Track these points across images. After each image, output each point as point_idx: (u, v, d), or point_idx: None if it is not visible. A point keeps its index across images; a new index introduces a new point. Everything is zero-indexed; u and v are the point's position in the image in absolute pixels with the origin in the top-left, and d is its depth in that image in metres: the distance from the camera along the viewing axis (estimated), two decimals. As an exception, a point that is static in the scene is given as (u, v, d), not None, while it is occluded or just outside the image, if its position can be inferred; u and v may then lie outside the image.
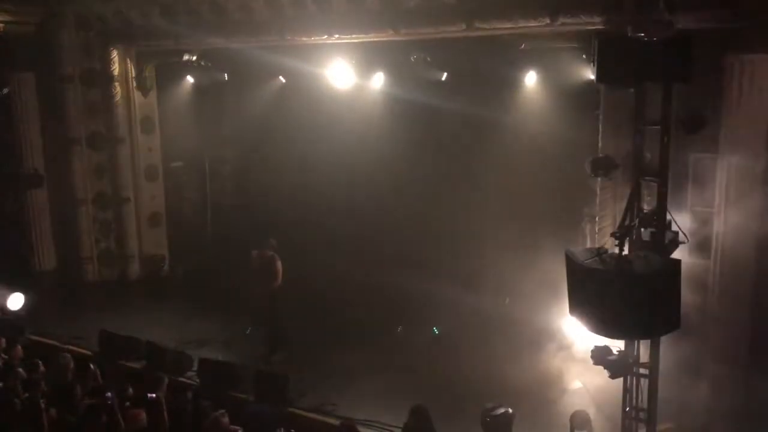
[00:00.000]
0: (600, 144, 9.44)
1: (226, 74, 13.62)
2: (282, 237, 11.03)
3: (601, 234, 9.55)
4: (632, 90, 6.49)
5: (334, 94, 12.95)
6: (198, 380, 9.47)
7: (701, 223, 7.78)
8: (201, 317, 12.04)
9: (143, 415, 7.05)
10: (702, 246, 7.67)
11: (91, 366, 8.27)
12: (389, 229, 12.98)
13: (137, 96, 14.16)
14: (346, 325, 11.37)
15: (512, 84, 11.58)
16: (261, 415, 7.52)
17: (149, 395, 7.30)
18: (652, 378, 6.37)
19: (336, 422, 7.73)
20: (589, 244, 9.88)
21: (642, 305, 5.81)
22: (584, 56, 9.64)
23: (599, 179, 9.37)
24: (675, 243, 6.34)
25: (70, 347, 10.33)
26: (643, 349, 6.55)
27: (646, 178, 6.53)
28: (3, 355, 8.93)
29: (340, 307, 11.94)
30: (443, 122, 12.22)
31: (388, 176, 13.00)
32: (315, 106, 13.42)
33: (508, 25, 9.89)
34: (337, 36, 11.30)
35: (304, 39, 11.69)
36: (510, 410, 7.01)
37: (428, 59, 11.49)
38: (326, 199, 13.66)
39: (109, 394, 7.29)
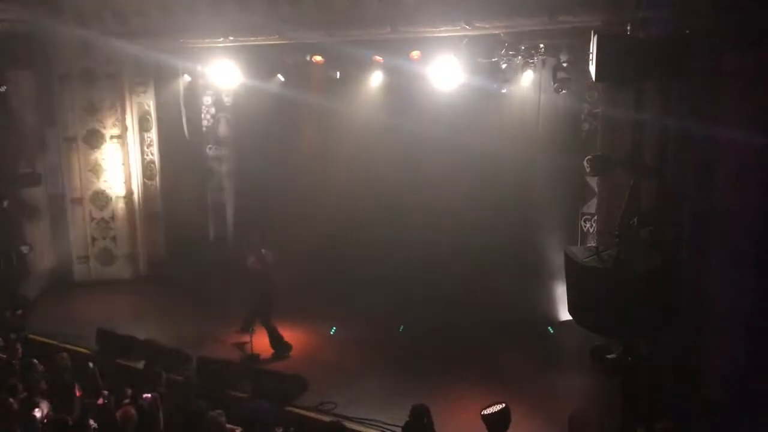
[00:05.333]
0: (599, 142, 9.45)
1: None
2: (281, 236, 11.02)
3: (599, 232, 9.57)
4: (631, 88, 6.48)
5: (331, 89, 13.00)
6: (196, 379, 9.45)
7: (699, 221, 7.77)
8: (200, 316, 12.03)
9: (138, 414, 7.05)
10: (699, 244, 7.65)
11: (90, 365, 8.26)
12: (390, 228, 12.96)
13: (135, 94, 14.14)
14: (346, 323, 11.36)
15: (510, 82, 11.56)
16: (260, 414, 7.51)
17: (145, 395, 7.31)
18: (651, 376, 6.37)
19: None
20: (587, 243, 9.90)
21: (640, 303, 5.82)
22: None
23: (598, 178, 9.40)
24: (673, 241, 6.35)
25: (68, 346, 10.31)
26: (642, 347, 6.55)
27: (645, 176, 6.54)
28: (2, 355, 8.93)
29: (340, 305, 11.94)
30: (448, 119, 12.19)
31: (381, 176, 13.01)
32: (314, 101, 13.42)
33: (508, 24, 9.89)
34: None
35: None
36: (506, 406, 7.02)
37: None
38: (325, 198, 13.64)
39: (105, 392, 7.31)
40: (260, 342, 10.42)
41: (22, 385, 7.73)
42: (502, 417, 6.93)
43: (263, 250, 10.48)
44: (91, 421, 6.92)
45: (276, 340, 10.49)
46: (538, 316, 10.76)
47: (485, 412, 6.70)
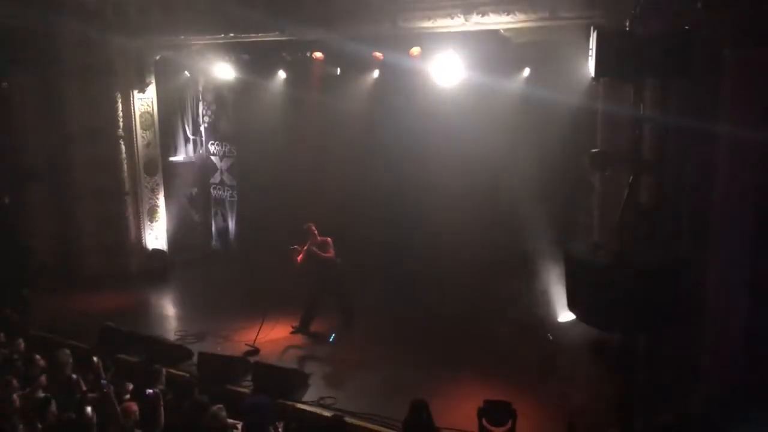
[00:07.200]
0: (598, 139, 9.47)
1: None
2: (282, 232, 11.07)
3: (599, 228, 9.59)
4: (631, 84, 6.49)
5: (331, 85, 13.03)
6: (197, 374, 9.49)
7: (698, 218, 7.79)
8: (201, 311, 12.08)
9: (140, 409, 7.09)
10: (698, 240, 7.67)
11: (94, 359, 8.29)
12: (390, 224, 12.98)
13: (136, 91, 14.18)
14: (347, 319, 11.38)
15: (509, 79, 11.55)
16: (260, 409, 7.54)
17: (147, 391, 7.35)
18: (650, 370, 6.40)
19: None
20: (587, 239, 9.92)
21: (640, 300, 5.84)
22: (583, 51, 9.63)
23: (598, 174, 9.42)
24: (672, 237, 6.37)
25: (71, 342, 10.34)
26: (641, 343, 6.58)
27: (645, 172, 6.55)
28: (3, 350, 8.95)
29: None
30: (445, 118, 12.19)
31: (381, 172, 13.01)
32: (314, 97, 13.44)
33: (508, 20, 9.90)
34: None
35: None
36: (509, 403, 7.07)
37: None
38: (326, 193, 13.66)
39: (105, 381, 7.34)
40: (261, 338, 10.46)
41: (24, 381, 7.78)
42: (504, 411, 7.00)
43: (329, 238, 10.83)
44: (93, 415, 6.97)
45: (306, 322, 10.92)
46: (538, 313, 10.77)
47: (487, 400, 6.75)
